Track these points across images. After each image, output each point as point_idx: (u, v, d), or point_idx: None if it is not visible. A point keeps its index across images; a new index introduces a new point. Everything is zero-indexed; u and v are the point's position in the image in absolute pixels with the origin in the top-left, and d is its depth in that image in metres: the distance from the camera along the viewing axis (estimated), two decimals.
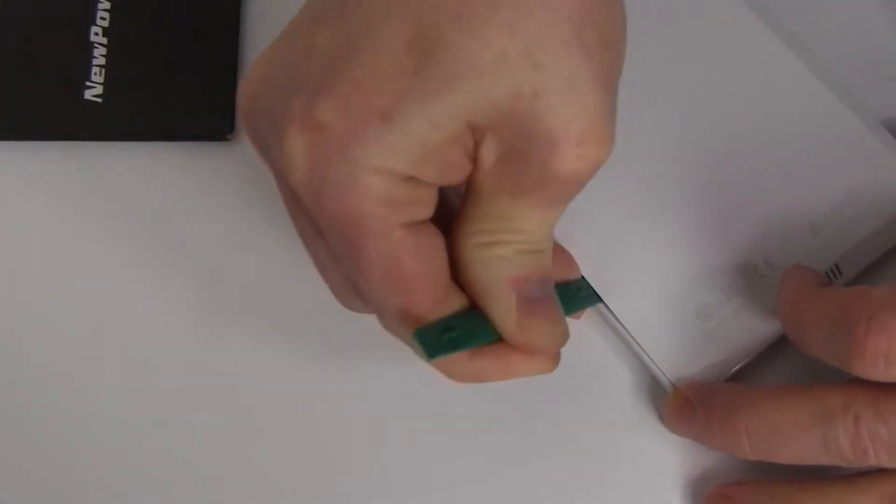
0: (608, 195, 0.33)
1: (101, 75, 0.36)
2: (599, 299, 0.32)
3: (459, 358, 0.27)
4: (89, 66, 0.36)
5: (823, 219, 0.32)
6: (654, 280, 0.32)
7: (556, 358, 0.28)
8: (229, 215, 0.36)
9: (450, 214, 0.27)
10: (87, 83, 0.36)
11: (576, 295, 0.32)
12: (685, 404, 0.31)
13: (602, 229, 0.33)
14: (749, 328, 0.32)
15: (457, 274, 0.27)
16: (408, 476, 0.33)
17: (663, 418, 0.32)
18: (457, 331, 0.26)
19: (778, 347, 0.32)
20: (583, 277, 0.32)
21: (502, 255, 0.26)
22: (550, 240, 0.27)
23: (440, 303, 0.26)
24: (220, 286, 0.35)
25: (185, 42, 0.37)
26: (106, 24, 0.37)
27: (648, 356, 0.32)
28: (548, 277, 0.27)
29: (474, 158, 0.25)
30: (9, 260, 0.35)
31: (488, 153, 0.25)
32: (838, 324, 0.26)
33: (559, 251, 0.32)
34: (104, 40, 0.37)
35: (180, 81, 0.36)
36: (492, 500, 0.32)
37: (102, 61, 0.36)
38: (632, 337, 0.32)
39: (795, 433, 0.28)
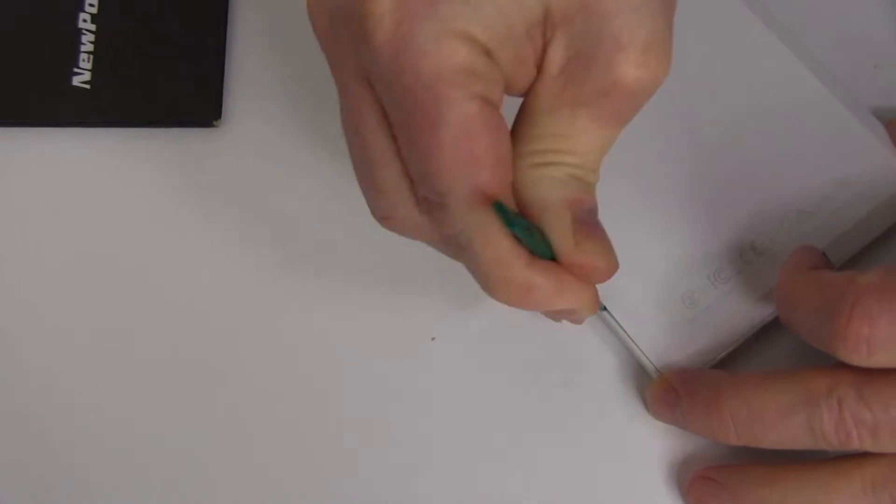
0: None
1: (88, 61, 0.36)
2: (603, 307, 0.32)
3: (517, 261, 0.26)
4: (77, 52, 0.36)
5: (811, 207, 0.32)
6: (641, 266, 0.32)
7: (597, 299, 0.28)
8: (217, 201, 0.35)
9: None
10: (75, 69, 0.36)
11: None
12: (669, 391, 0.31)
13: None
14: (736, 315, 0.32)
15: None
16: (396, 459, 0.33)
17: (647, 405, 0.32)
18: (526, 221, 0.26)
19: (765, 334, 0.32)
20: None
21: (555, 176, 0.26)
22: (598, 173, 0.27)
23: (508, 192, 0.26)
24: (207, 273, 0.35)
25: (173, 28, 0.37)
26: (94, 10, 0.37)
27: (634, 342, 0.32)
28: (596, 209, 0.27)
29: (540, 65, 0.26)
30: None
31: (555, 55, 0.25)
32: (823, 308, 0.27)
33: None
34: (92, 27, 0.37)
35: (168, 68, 0.36)
36: (477, 485, 0.32)
37: (90, 48, 0.36)
38: (618, 323, 0.32)
39: (780, 418, 0.28)
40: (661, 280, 0.32)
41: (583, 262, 0.26)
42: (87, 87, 0.36)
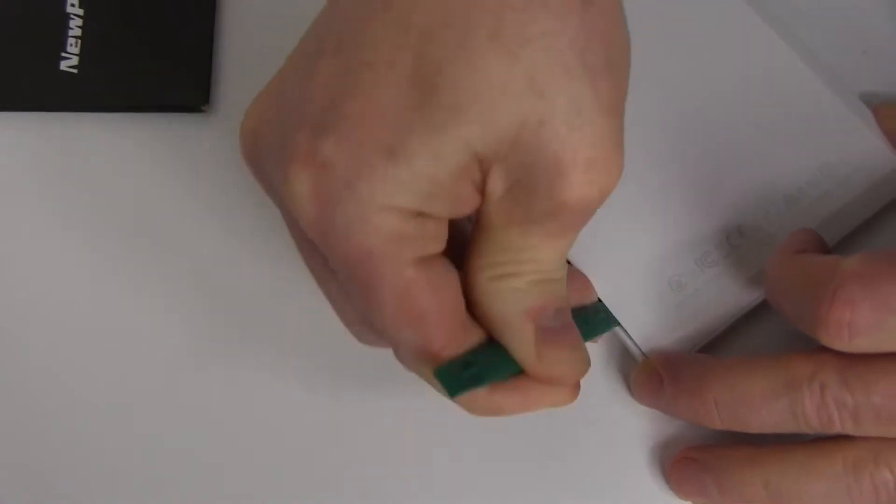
0: None
1: (76, 46, 0.36)
2: (617, 323, 0.32)
3: (479, 393, 0.26)
4: (65, 36, 0.36)
5: (798, 191, 0.32)
6: (628, 250, 0.32)
7: (576, 389, 0.28)
8: (204, 186, 0.35)
9: (463, 244, 0.27)
10: (63, 54, 0.36)
11: (593, 319, 0.31)
12: (653, 375, 0.31)
13: None
14: (722, 299, 0.32)
15: (472, 307, 0.27)
16: (392, 451, 0.33)
17: (632, 389, 0.32)
18: (477, 366, 0.26)
19: (752, 318, 0.32)
20: (599, 300, 0.32)
21: (516, 287, 0.26)
22: (564, 268, 0.27)
23: (457, 338, 0.26)
24: (197, 259, 0.35)
25: (161, 13, 0.36)
26: None
27: (621, 326, 0.32)
28: (564, 307, 0.27)
29: (483, 191, 0.25)
30: None
31: (496, 185, 0.24)
32: (807, 292, 0.27)
33: (574, 275, 0.31)
34: (80, 11, 0.36)
35: (156, 53, 0.36)
36: (461, 467, 0.33)
37: (78, 32, 0.36)
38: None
39: (763, 402, 0.28)
40: (647, 264, 0.32)
41: (546, 374, 0.26)
42: (75, 71, 0.36)
